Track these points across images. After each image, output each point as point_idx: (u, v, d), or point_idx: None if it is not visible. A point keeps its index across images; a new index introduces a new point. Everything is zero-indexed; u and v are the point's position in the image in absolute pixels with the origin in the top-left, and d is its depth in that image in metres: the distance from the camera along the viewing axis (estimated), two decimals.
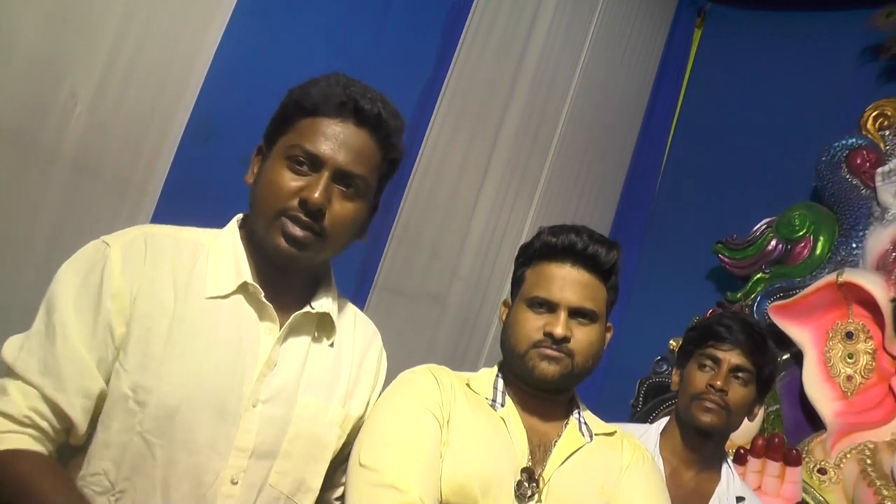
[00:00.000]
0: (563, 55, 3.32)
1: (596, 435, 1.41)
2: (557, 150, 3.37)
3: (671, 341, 3.26)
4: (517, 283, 1.45)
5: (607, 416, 1.51)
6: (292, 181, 1.15)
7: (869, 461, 2.66)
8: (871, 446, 2.69)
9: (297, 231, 1.15)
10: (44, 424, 1.07)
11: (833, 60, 3.47)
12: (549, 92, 3.28)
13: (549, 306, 1.36)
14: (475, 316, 3.00)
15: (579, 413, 1.43)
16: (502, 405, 1.37)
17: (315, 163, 1.16)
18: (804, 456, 2.74)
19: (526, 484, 1.28)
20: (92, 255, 1.13)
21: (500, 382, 1.42)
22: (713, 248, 3.37)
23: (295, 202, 1.14)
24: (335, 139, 1.16)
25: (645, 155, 3.83)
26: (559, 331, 1.33)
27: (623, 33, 3.68)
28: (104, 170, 1.85)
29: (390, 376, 1.41)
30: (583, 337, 1.35)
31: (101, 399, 1.09)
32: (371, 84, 2.72)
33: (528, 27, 3.11)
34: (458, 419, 1.32)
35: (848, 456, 2.71)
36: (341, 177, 1.17)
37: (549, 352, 1.34)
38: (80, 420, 1.08)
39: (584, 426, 1.41)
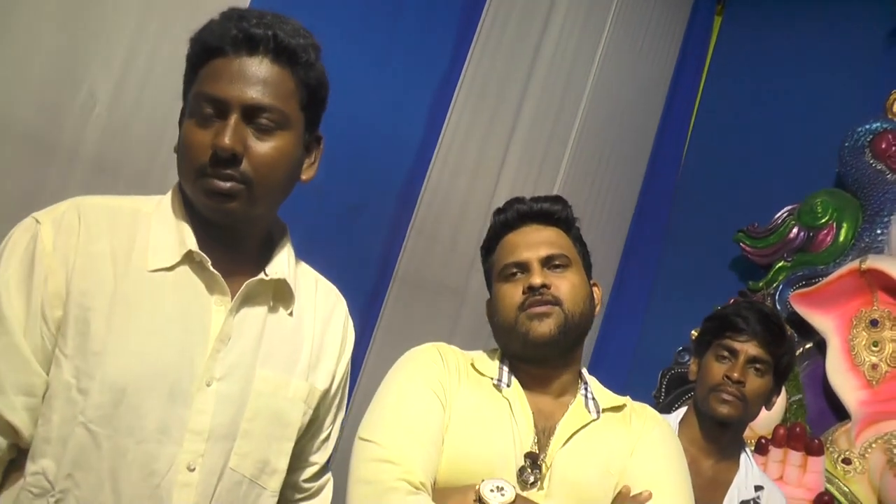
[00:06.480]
0: (580, 46, 3.30)
1: (604, 410, 1.36)
2: (576, 142, 3.35)
3: (693, 332, 3.23)
4: (489, 274, 1.46)
5: None
6: (202, 136, 1.05)
7: (895, 451, 2.63)
8: None
9: (220, 185, 1.04)
10: None
11: (856, 44, 3.41)
12: (566, 83, 3.25)
13: (521, 267, 1.36)
14: None
15: (586, 388, 1.38)
16: (508, 385, 1.34)
17: (220, 107, 1.05)
18: (828, 446, 2.71)
19: (529, 470, 1.24)
20: (21, 236, 1.03)
21: (507, 362, 1.39)
22: (734, 236, 3.34)
23: (208, 156, 1.04)
24: (234, 76, 1.05)
25: (666, 144, 3.81)
26: (536, 279, 1.32)
27: (642, 22, 3.64)
28: (122, 168, 1.88)
29: None
30: (562, 282, 1.34)
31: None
32: (387, 81, 2.70)
33: (545, 19, 3.09)
34: (461, 401, 1.30)
35: (873, 445, 2.68)
36: (251, 113, 1.05)
37: (536, 309, 1.31)
38: (25, 422, 0.99)
39: (590, 402, 1.36)
